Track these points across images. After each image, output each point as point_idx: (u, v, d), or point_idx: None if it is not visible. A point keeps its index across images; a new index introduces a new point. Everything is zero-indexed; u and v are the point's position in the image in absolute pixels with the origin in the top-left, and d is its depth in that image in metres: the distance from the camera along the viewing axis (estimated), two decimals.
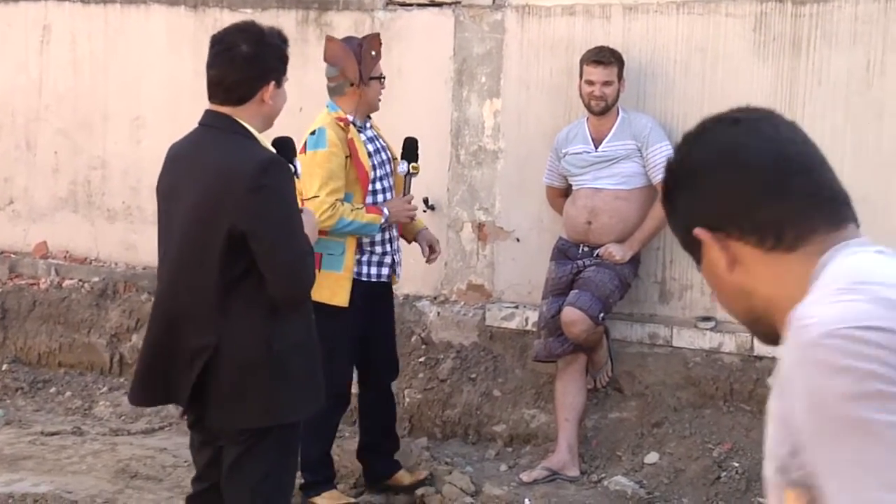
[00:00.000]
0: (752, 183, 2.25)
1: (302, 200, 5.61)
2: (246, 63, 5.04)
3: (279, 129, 6.11)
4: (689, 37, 8.18)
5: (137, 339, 9.47)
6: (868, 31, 7.72)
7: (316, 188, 7.10)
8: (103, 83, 10.28)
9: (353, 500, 7.60)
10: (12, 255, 10.73)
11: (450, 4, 8.98)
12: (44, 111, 10.71)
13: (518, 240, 8.73)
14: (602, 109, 7.94)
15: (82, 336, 9.98)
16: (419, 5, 9.12)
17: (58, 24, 10.59)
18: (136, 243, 10.20)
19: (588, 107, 8.00)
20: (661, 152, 7.88)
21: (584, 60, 7.98)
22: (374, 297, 7.54)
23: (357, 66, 7.44)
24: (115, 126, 10.20)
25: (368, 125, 7.66)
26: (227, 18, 9.57)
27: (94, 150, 10.37)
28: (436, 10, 8.95)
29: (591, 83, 7.91)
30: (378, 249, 7.47)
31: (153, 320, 5.28)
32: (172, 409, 8.84)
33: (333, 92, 7.52)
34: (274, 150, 5.20)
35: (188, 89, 9.46)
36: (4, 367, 10.09)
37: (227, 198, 4.92)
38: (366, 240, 7.39)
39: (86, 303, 10.09)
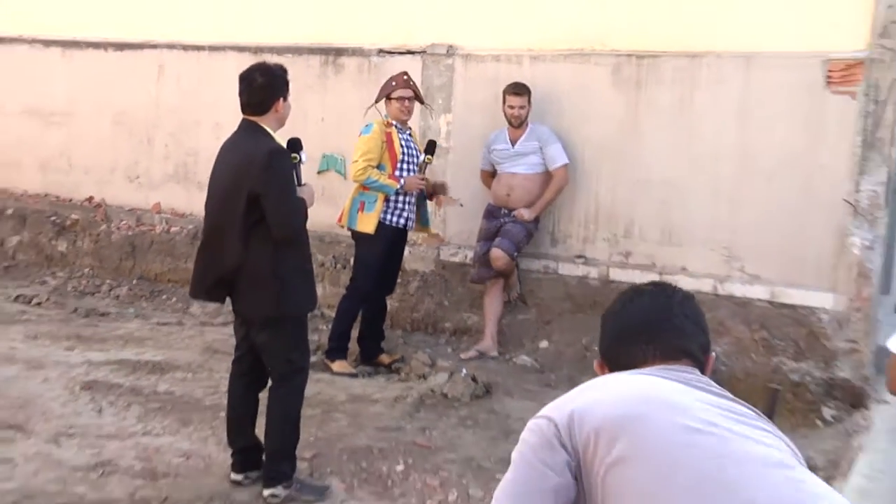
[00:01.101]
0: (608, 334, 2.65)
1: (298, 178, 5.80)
2: (261, 88, 5.64)
3: (309, 133, 7.09)
4: (572, 76, 8.96)
5: None
6: (682, 77, 8.50)
7: (357, 156, 8.12)
8: (196, 101, 10.93)
9: (353, 370, 8.24)
10: (138, 211, 11.38)
11: (418, 53, 9.59)
12: (158, 119, 11.29)
13: (462, 205, 9.16)
14: (518, 123, 8.74)
15: (181, 262, 10.52)
16: (399, 53, 9.70)
17: (167, 63, 11.16)
18: None
19: (509, 121, 8.79)
20: (555, 150, 8.73)
21: (505, 91, 8.76)
22: (393, 238, 8.36)
23: (384, 90, 8.37)
24: (204, 129, 10.70)
25: (407, 131, 8.51)
26: (275, 59, 10.48)
27: (189, 144, 11.00)
28: (409, 56, 9.59)
29: (511, 106, 8.70)
30: (399, 206, 8.29)
31: (201, 249, 5.82)
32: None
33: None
34: (284, 144, 5.65)
35: None
36: (134, 282, 10.80)
37: (248, 171, 5.43)
38: (392, 197, 8.19)
39: (184, 242, 10.72)
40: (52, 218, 11.63)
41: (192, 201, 10.91)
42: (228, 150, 5.74)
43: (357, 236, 8.38)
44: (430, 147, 8.62)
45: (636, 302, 2.58)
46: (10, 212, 11.90)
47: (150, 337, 8.88)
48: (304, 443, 6.11)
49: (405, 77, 8.51)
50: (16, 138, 12.24)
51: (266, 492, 5.54)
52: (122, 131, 11.55)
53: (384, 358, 8.50)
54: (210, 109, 10.76)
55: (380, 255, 8.38)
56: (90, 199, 11.76)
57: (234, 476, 5.75)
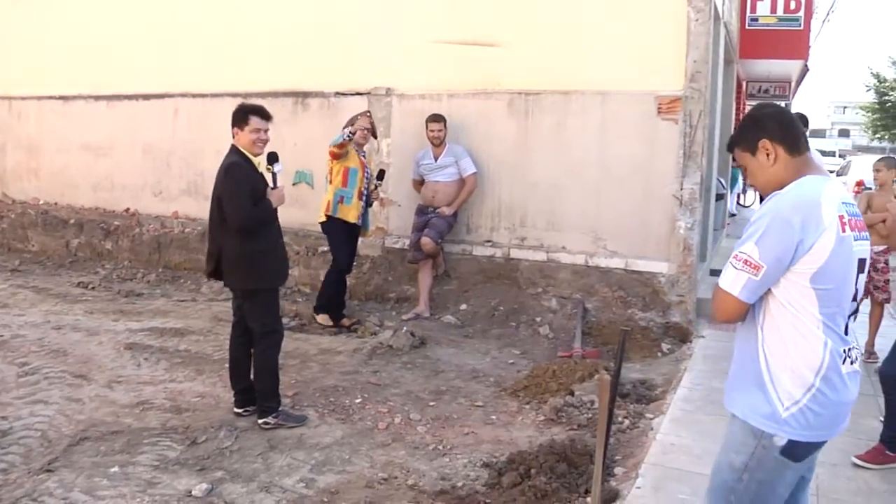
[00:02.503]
0: (789, 122, 2.80)
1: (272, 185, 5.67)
2: (234, 119, 5.61)
3: (286, 155, 6.53)
4: (478, 109, 9.01)
5: None
6: (558, 108, 8.60)
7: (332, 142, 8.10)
8: (201, 134, 10.83)
9: (330, 323, 8.30)
10: (162, 217, 11.27)
11: (365, 94, 9.53)
12: (174, 149, 11.22)
13: (399, 205, 9.39)
14: (438, 143, 8.74)
15: (194, 255, 10.61)
16: (351, 94, 9.63)
17: (181, 107, 11.08)
18: None
19: (431, 142, 8.77)
20: (466, 162, 8.74)
21: (428, 120, 8.76)
22: (350, 230, 8.39)
23: (350, 122, 8.30)
24: (208, 155, 10.41)
25: (363, 152, 8.49)
26: (259, 101, 10.15)
27: (198, 167, 10.91)
28: (358, 96, 9.58)
29: (432, 130, 8.69)
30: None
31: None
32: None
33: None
34: (266, 159, 5.61)
35: None
36: (160, 270, 10.87)
37: (217, 180, 5.53)
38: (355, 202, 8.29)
39: (196, 239, 10.72)
40: (101, 225, 11.65)
41: (201, 209, 10.76)
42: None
43: (329, 228, 8.37)
44: (381, 175, 8.68)
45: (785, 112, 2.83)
46: (72, 221, 11.90)
47: (172, 310, 8.91)
48: (287, 384, 6.28)
49: (367, 114, 8.58)
50: (75, 168, 12.26)
51: (260, 420, 5.62)
52: (149, 158, 11.54)
53: (345, 321, 8.46)
54: (212, 140, 10.57)
55: (346, 238, 8.43)
56: (127, 209, 11.75)
57: (236, 410, 5.83)
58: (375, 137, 8.95)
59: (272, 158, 5.72)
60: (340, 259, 8.46)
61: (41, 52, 12.54)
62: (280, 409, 5.74)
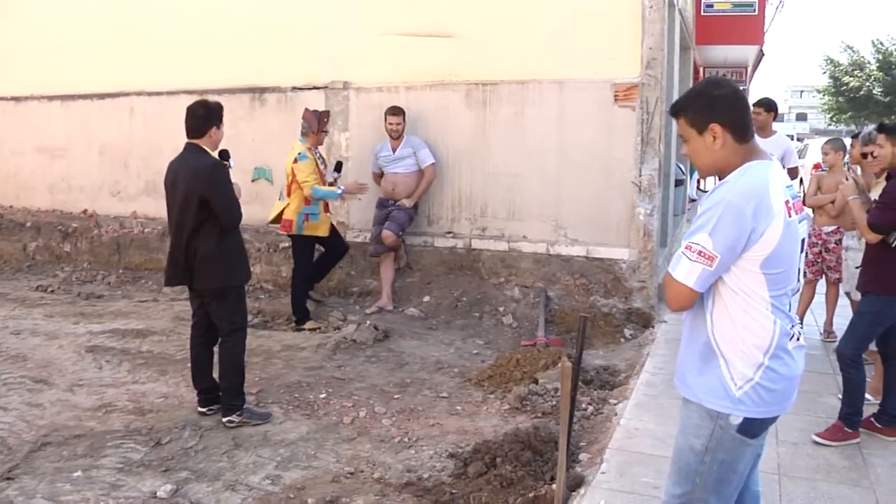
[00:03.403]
0: (743, 109, 2.79)
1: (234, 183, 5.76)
2: (200, 118, 5.63)
3: (244, 151, 6.75)
4: (435, 100, 9.04)
5: None
6: (515, 98, 8.67)
7: (306, 177, 8.00)
8: (158, 133, 10.68)
9: (319, 325, 8.23)
10: (121, 218, 11.17)
11: (322, 88, 9.51)
12: (131, 148, 11.13)
13: (360, 199, 9.22)
14: (397, 136, 8.73)
15: (154, 255, 10.56)
16: (308, 89, 9.61)
17: (136, 105, 10.98)
18: None
19: (389, 135, 8.76)
20: (424, 154, 8.75)
21: (386, 112, 8.74)
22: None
23: (317, 125, 8.28)
24: (166, 153, 9.15)
25: (318, 151, 8.41)
26: (215, 98, 10.17)
27: (156, 166, 10.46)
28: (315, 91, 9.57)
29: (391, 123, 8.68)
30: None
31: (170, 247, 5.74)
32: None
33: (304, 133, 8.28)
34: (218, 157, 5.65)
35: None
36: (120, 271, 10.73)
37: (197, 181, 5.46)
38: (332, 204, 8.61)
39: (155, 239, 10.65)
40: (59, 227, 11.51)
41: (160, 209, 9.79)
42: (178, 166, 5.70)
43: (295, 240, 8.34)
44: (339, 166, 8.68)
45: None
46: (28, 224, 11.74)
47: (133, 311, 8.86)
48: (251, 382, 6.24)
49: (326, 119, 8.56)
50: (30, 170, 12.12)
51: (224, 419, 5.63)
52: (106, 159, 11.41)
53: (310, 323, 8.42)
54: (170, 138, 9.79)
55: (312, 248, 8.47)
56: (85, 210, 11.63)
57: (200, 409, 5.83)
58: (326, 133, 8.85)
59: (224, 155, 5.80)
60: (307, 267, 8.45)
61: None
62: (244, 406, 5.74)
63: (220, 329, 5.75)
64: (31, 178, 12.23)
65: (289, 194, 8.26)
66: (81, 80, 11.46)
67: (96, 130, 11.48)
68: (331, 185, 8.43)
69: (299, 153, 8.15)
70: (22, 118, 12.24)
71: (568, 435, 3.75)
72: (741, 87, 3.21)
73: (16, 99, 12.25)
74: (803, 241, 2.81)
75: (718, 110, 2.77)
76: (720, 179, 2.77)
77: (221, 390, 5.76)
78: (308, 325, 8.29)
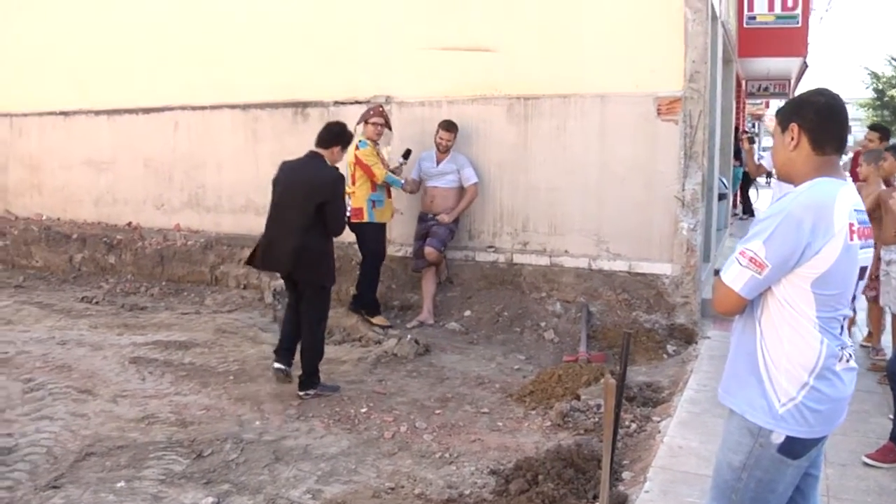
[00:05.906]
0: (829, 119, 2.70)
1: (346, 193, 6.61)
2: (334, 134, 6.53)
3: None
4: (478, 114, 9.00)
5: (226, 268, 10.50)
6: (557, 112, 8.59)
7: (373, 162, 8.39)
8: (201, 147, 10.93)
9: (388, 323, 8.58)
10: (164, 230, 11.31)
11: (364, 102, 9.40)
12: (175, 162, 11.23)
13: (402, 213, 9.30)
14: (444, 150, 8.77)
15: (197, 267, 10.72)
16: (350, 103, 9.57)
17: (181, 120, 11.08)
18: (220, 222, 10.85)
19: (437, 147, 8.77)
20: (468, 172, 8.75)
21: (440, 125, 8.73)
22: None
23: (364, 115, 8.59)
24: (209, 167, 10.84)
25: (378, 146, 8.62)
26: (261, 114, 10.34)
27: (199, 179, 11.02)
28: (357, 105, 9.43)
29: (442, 137, 8.70)
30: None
31: (265, 236, 6.48)
32: (237, 299, 9.84)
33: (358, 123, 8.48)
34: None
35: (241, 149, 10.44)
36: (163, 283, 10.79)
37: (320, 187, 6.22)
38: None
39: (198, 251, 10.77)
40: (104, 239, 11.62)
41: (202, 221, 11.11)
42: (298, 169, 6.46)
43: (364, 228, 8.54)
44: (407, 154, 8.81)
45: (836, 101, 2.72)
46: (75, 236, 11.87)
47: (176, 323, 8.90)
48: (290, 395, 6.31)
49: (380, 108, 8.68)
50: (77, 183, 12.26)
51: (300, 392, 6.41)
52: (150, 172, 11.52)
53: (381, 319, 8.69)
54: (213, 152, 10.85)
55: (382, 234, 8.73)
56: (130, 223, 11.75)
57: (276, 364, 6.63)
58: (391, 129, 8.98)
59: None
60: (381, 251, 8.71)
61: (41, 68, 12.56)
62: (319, 383, 6.49)
63: (308, 315, 6.44)
64: (78, 191, 12.38)
65: (353, 183, 8.41)
66: (127, 95, 11.60)
67: (141, 144, 11.59)
68: (394, 171, 8.66)
69: (360, 140, 8.39)
70: (69, 133, 12.40)
71: (612, 453, 3.69)
72: (783, 100, 3.16)
73: (64, 114, 12.41)
74: (864, 269, 2.73)
75: (804, 112, 2.74)
76: (787, 184, 2.77)
77: (303, 369, 6.45)
78: (377, 319, 8.50)
